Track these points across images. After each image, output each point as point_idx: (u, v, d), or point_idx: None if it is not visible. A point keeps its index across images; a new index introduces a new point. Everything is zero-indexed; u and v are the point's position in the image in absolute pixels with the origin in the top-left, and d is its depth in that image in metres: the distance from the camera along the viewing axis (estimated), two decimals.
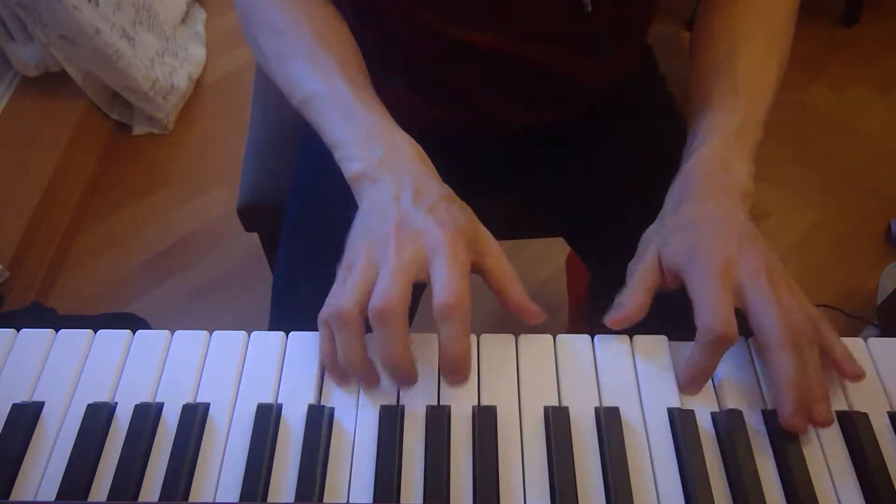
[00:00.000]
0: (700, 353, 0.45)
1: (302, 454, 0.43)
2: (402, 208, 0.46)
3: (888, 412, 0.46)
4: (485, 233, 0.49)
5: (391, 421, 0.44)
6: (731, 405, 0.46)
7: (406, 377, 0.44)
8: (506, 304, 0.47)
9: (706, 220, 0.49)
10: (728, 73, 0.57)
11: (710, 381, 0.47)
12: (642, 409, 0.45)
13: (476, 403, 0.46)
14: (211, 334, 0.48)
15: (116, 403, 0.45)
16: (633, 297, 0.49)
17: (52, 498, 0.41)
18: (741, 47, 0.59)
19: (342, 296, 0.44)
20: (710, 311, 0.44)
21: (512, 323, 0.49)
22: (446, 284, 0.43)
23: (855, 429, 0.44)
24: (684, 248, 0.48)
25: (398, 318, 0.42)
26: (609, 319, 0.48)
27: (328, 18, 0.58)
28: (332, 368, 0.46)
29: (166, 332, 0.49)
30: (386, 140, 0.50)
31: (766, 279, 0.45)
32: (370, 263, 0.45)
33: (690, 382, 0.46)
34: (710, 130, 0.55)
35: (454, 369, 0.43)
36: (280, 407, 0.45)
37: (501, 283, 0.47)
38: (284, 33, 0.57)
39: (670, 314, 0.63)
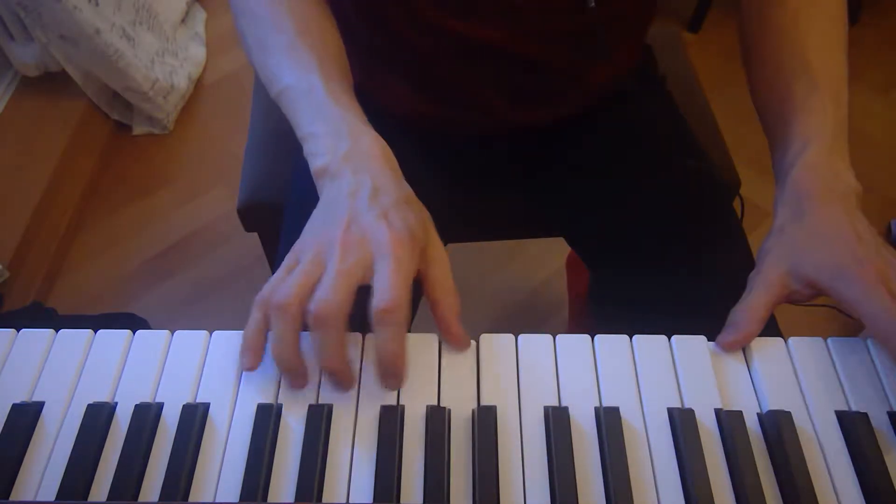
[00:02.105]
0: None
1: (302, 454, 0.43)
2: (355, 207, 0.46)
3: (888, 412, 0.46)
4: (436, 241, 0.49)
5: (391, 421, 0.44)
6: (730, 405, 0.46)
7: (341, 381, 0.44)
8: (436, 317, 0.47)
9: (842, 233, 0.49)
10: (803, 73, 0.57)
11: (710, 380, 0.47)
12: (642, 409, 0.45)
13: (476, 403, 0.46)
14: (211, 334, 0.48)
15: (116, 403, 0.45)
16: (754, 312, 0.49)
17: (52, 498, 0.41)
18: (808, 42, 0.58)
19: (285, 287, 0.44)
20: (889, 318, 0.45)
21: (512, 323, 0.49)
22: (385, 289, 0.43)
23: (855, 429, 0.44)
24: (828, 264, 0.48)
25: (336, 322, 0.43)
26: (725, 343, 0.48)
27: (312, 14, 0.58)
28: (250, 347, 0.46)
29: (166, 332, 0.49)
30: (352, 137, 0.50)
31: None
32: (317, 260, 0.45)
33: None
34: (806, 137, 0.54)
35: (389, 372, 0.44)
36: (280, 407, 0.45)
37: (439, 296, 0.47)
38: (268, 26, 0.57)
39: (670, 314, 0.63)
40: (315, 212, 0.49)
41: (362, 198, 0.47)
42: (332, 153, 0.50)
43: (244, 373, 0.47)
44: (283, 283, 0.45)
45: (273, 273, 0.48)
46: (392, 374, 0.44)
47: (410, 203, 0.49)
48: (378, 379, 0.45)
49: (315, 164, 0.50)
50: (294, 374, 0.45)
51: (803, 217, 0.51)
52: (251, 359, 0.46)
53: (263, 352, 0.47)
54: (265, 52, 0.57)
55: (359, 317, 0.45)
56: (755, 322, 0.49)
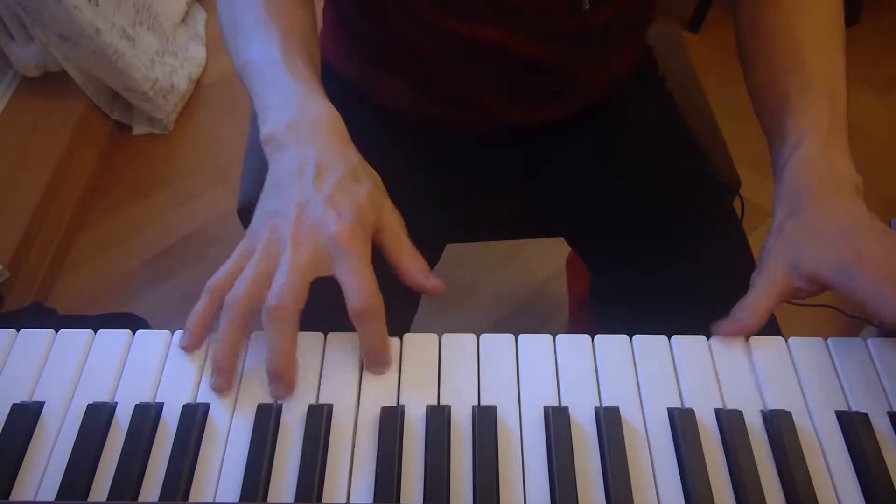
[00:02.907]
0: None
1: (302, 454, 0.43)
2: (303, 193, 0.47)
3: (888, 412, 0.46)
4: (387, 207, 0.49)
5: (391, 421, 0.44)
6: (730, 405, 0.46)
7: (281, 378, 0.44)
8: (402, 278, 0.48)
9: (839, 226, 0.49)
10: (799, 70, 0.57)
11: (710, 380, 0.47)
12: (642, 409, 0.45)
13: (476, 403, 0.46)
14: (210, 335, 0.48)
15: (116, 403, 0.45)
16: (755, 310, 0.49)
17: (52, 498, 0.41)
18: (803, 40, 0.58)
19: (239, 284, 0.45)
20: None
21: (512, 323, 0.49)
22: (356, 291, 0.44)
23: (855, 429, 0.44)
24: (830, 260, 0.48)
25: (289, 318, 0.43)
26: (720, 330, 0.49)
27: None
28: (194, 335, 0.47)
29: (166, 332, 0.49)
30: (300, 106, 0.50)
31: None
32: (270, 252, 0.45)
33: None
34: (801, 132, 0.54)
35: (377, 362, 0.46)
36: (280, 407, 0.45)
37: (397, 260, 0.48)
38: (238, 6, 0.57)
39: (670, 314, 0.63)
40: (265, 187, 0.49)
41: (307, 177, 0.47)
42: (277, 122, 0.50)
43: (243, 373, 0.47)
44: (238, 279, 0.45)
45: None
46: (381, 363, 0.46)
47: (356, 175, 0.49)
48: (367, 368, 0.47)
49: (262, 131, 0.51)
50: (220, 375, 0.45)
51: (801, 213, 0.51)
52: (192, 342, 0.47)
53: (203, 338, 0.47)
54: (234, 28, 0.57)
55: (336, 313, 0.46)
56: (756, 319, 0.49)
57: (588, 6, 0.61)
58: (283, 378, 0.45)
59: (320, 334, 0.49)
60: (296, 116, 0.50)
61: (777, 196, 0.54)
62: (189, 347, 0.47)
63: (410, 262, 0.48)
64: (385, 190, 0.51)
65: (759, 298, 0.50)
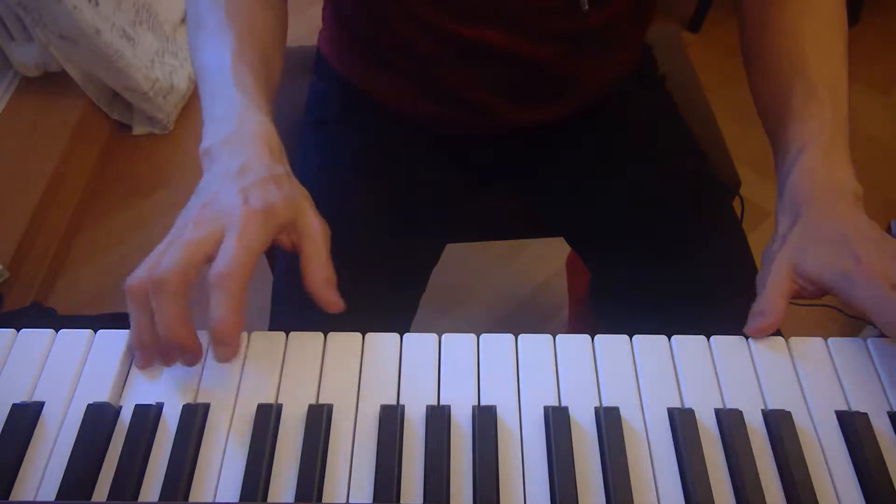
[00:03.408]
0: None
1: (302, 454, 0.43)
2: (219, 188, 0.47)
3: (888, 412, 0.46)
4: (309, 214, 0.49)
5: (391, 421, 0.44)
6: (730, 405, 0.46)
7: (183, 348, 0.44)
8: (305, 283, 0.48)
9: (839, 233, 0.50)
10: (802, 78, 0.57)
11: (710, 380, 0.47)
12: (642, 409, 0.45)
13: (476, 403, 0.46)
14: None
15: (117, 403, 0.45)
16: (775, 304, 0.49)
17: (52, 498, 0.41)
18: (806, 46, 0.58)
19: (134, 274, 0.45)
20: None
21: (512, 323, 0.49)
22: (225, 255, 0.44)
23: (855, 429, 0.44)
24: (830, 266, 0.49)
25: (172, 286, 0.43)
26: (752, 328, 0.49)
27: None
28: (141, 347, 0.46)
29: None
30: (238, 119, 0.51)
31: None
32: (169, 240, 0.46)
33: None
34: (803, 141, 0.55)
35: (218, 340, 0.44)
36: (280, 407, 0.45)
37: (306, 269, 0.48)
38: (204, 7, 0.58)
39: (670, 314, 0.63)
40: (191, 197, 0.50)
41: (228, 176, 0.48)
42: (215, 136, 0.51)
43: (243, 373, 0.47)
44: (136, 270, 0.45)
45: (274, 274, 0.48)
46: (222, 341, 0.44)
47: (279, 180, 0.49)
48: (211, 350, 0.45)
49: (202, 145, 0.51)
50: (141, 353, 0.46)
51: (803, 222, 0.52)
52: (150, 359, 0.47)
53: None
54: (196, 30, 0.58)
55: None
56: (778, 313, 0.49)
57: (587, 7, 0.61)
58: (185, 346, 0.44)
59: (320, 334, 0.49)
60: (232, 131, 0.50)
61: (779, 207, 0.55)
62: (148, 363, 0.47)
63: (318, 271, 0.48)
64: (313, 203, 0.51)
65: (770, 294, 0.50)
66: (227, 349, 0.44)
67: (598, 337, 0.49)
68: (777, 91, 0.59)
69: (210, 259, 0.44)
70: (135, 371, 0.47)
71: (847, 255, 0.48)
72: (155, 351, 0.46)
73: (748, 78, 0.64)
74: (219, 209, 0.46)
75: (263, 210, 0.46)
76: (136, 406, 0.45)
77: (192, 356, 0.45)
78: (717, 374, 0.47)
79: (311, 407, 0.45)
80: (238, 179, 0.47)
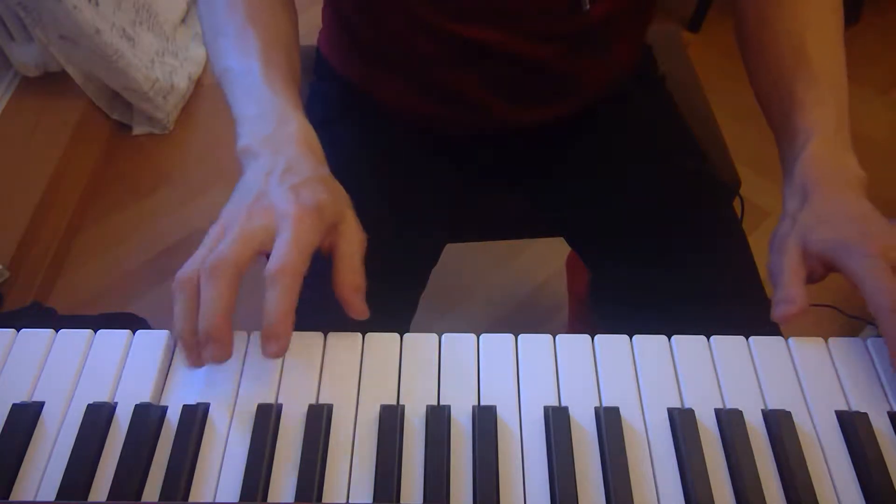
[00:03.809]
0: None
1: (302, 454, 0.43)
2: (268, 183, 0.47)
3: (888, 412, 0.46)
4: (350, 220, 0.49)
5: (391, 421, 0.44)
6: (730, 405, 0.46)
7: (219, 341, 0.42)
8: (335, 286, 0.47)
9: (846, 214, 0.51)
10: (805, 66, 0.58)
11: (710, 380, 0.47)
12: (642, 409, 0.45)
13: (476, 403, 0.46)
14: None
15: (116, 403, 0.45)
16: (796, 289, 0.50)
17: (52, 498, 0.41)
18: (807, 36, 0.59)
19: (188, 263, 0.45)
20: (884, 286, 0.46)
21: (512, 323, 0.49)
22: (280, 253, 0.44)
23: (855, 429, 0.44)
24: (837, 241, 0.50)
25: (225, 273, 0.42)
26: (781, 315, 0.49)
27: (265, 1, 0.59)
28: (187, 342, 0.45)
29: (166, 332, 0.49)
30: (278, 120, 0.51)
31: None
32: (221, 231, 0.46)
33: None
34: (809, 130, 0.56)
35: (271, 333, 0.43)
36: (280, 407, 0.45)
37: (339, 268, 0.47)
38: (221, 10, 0.58)
39: (670, 314, 0.63)
40: (234, 191, 0.50)
41: (275, 174, 0.48)
42: (255, 135, 0.51)
43: (243, 373, 0.47)
44: (188, 262, 0.45)
45: None
46: (273, 335, 0.43)
47: (325, 181, 0.49)
48: (261, 347, 0.44)
49: (239, 143, 0.51)
50: (188, 351, 0.44)
51: (811, 202, 0.53)
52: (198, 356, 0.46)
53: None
54: (215, 35, 0.58)
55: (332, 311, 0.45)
56: (802, 298, 0.49)
57: (588, 6, 0.61)
58: (217, 337, 0.43)
59: (320, 334, 0.49)
60: (272, 131, 0.50)
61: (787, 190, 0.56)
62: (197, 361, 0.45)
63: (350, 275, 0.47)
64: (352, 207, 0.50)
65: (788, 280, 0.50)
66: (278, 345, 0.43)
67: (598, 337, 0.49)
68: (779, 83, 0.59)
69: (263, 251, 0.45)
70: (134, 371, 0.47)
71: (853, 230, 0.49)
72: (196, 352, 0.45)
73: (747, 70, 0.64)
74: (271, 204, 0.46)
75: (316, 208, 0.46)
76: (136, 406, 0.45)
77: (221, 351, 0.43)
78: (717, 374, 0.47)
79: (311, 407, 0.45)
80: (286, 178, 0.47)
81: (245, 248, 0.44)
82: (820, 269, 0.51)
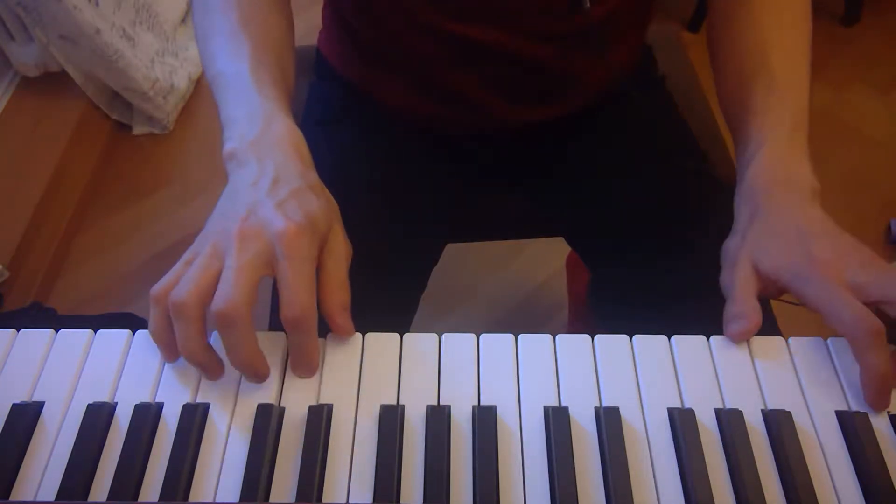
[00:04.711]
0: (868, 357, 0.45)
1: (302, 454, 0.43)
2: (255, 197, 0.46)
3: (888, 412, 0.46)
4: (337, 232, 0.49)
5: (391, 421, 0.44)
6: (730, 405, 0.46)
7: (256, 374, 0.44)
8: (321, 302, 0.47)
9: (795, 229, 0.50)
10: (764, 73, 0.57)
11: (710, 380, 0.47)
12: (642, 409, 0.45)
13: (476, 403, 0.46)
14: (211, 334, 0.48)
15: (116, 403, 0.45)
16: (748, 305, 0.49)
17: (52, 498, 0.41)
18: (770, 42, 0.59)
19: (183, 284, 0.44)
20: (849, 315, 0.45)
21: (512, 323, 0.49)
22: (288, 300, 0.43)
23: (855, 429, 0.44)
24: (785, 264, 0.49)
25: (241, 320, 0.42)
26: (735, 333, 0.48)
27: (259, 3, 0.58)
28: (163, 343, 0.46)
29: None
30: (264, 122, 0.50)
31: (876, 269, 0.47)
32: (214, 253, 0.45)
33: (878, 393, 0.45)
34: (761, 137, 0.55)
35: (303, 367, 0.46)
36: (280, 407, 0.45)
37: (326, 287, 0.47)
38: (215, 13, 0.57)
39: (670, 314, 0.63)
40: (219, 201, 0.49)
41: (262, 187, 0.46)
42: (241, 138, 0.49)
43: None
44: (182, 280, 0.44)
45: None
46: (305, 369, 0.46)
47: (314, 190, 0.48)
48: (293, 372, 0.47)
49: (225, 147, 0.50)
50: (207, 369, 0.45)
51: (760, 216, 0.52)
52: (169, 355, 0.46)
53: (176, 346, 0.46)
54: (207, 38, 0.57)
55: None
56: (756, 314, 0.49)
57: (589, 4, 0.61)
58: (256, 373, 0.44)
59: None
60: (259, 134, 0.49)
61: (738, 200, 0.55)
62: (171, 360, 0.47)
63: (336, 293, 0.47)
64: (340, 217, 0.50)
65: (741, 296, 0.50)
66: (312, 372, 0.47)
67: (598, 337, 0.49)
68: (739, 89, 0.59)
69: (266, 276, 0.44)
70: (135, 371, 0.47)
71: (800, 252, 0.49)
72: (217, 359, 0.45)
73: (713, 73, 0.64)
74: (261, 223, 0.45)
75: (308, 222, 0.45)
76: (136, 406, 0.45)
77: (260, 377, 0.45)
78: (717, 374, 0.47)
79: (311, 407, 0.45)
80: (275, 191, 0.46)
81: (249, 287, 0.43)
82: (771, 288, 0.50)
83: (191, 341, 0.43)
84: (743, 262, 0.51)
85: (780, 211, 0.52)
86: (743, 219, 0.54)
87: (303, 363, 0.46)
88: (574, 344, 0.48)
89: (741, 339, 0.48)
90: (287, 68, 0.58)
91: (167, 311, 0.44)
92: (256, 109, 0.51)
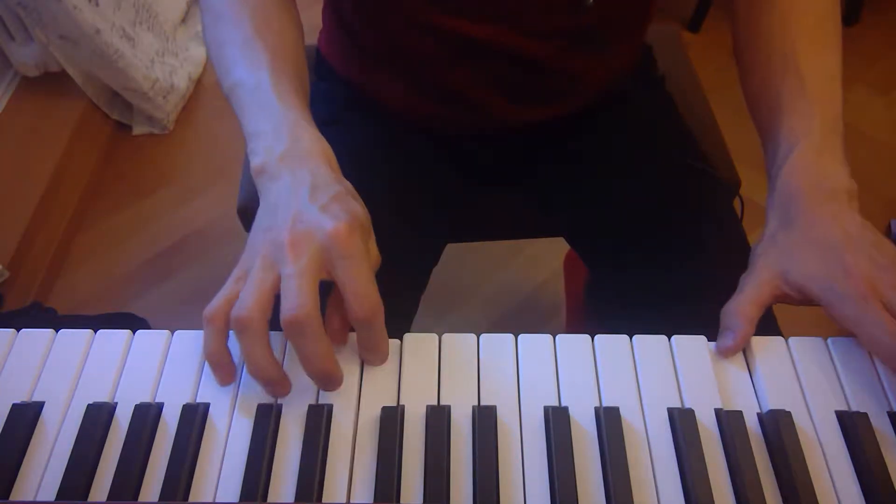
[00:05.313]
0: None
1: (302, 454, 0.43)
2: (297, 206, 0.46)
3: (888, 412, 0.46)
4: (373, 241, 0.49)
5: (391, 421, 0.44)
6: (730, 405, 0.46)
7: (332, 380, 0.44)
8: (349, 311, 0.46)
9: (830, 238, 0.48)
10: (792, 75, 0.56)
11: (710, 380, 0.47)
12: (642, 409, 0.45)
13: (476, 403, 0.46)
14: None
15: (116, 403, 0.45)
16: (744, 317, 0.48)
17: (52, 498, 0.41)
18: (798, 43, 0.57)
19: (244, 300, 0.43)
20: (888, 341, 0.44)
21: (512, 323, 0.49)
22: (357, 297, 0.43)
23: (855, 429, 0.44)
24: (818, 274, 0.48)
25: (315, 325, 0.42)
26: (724, 349, 0.48)
27: (272, 11, 0.58)
28: (219, 363, 0.45)
29: (166, 332, 0.49)
30: (291, 135, 0.50)
31: None
32: (268, 265, 0.44)
33: None
34: (794, 139, 0.54)
35: (377, 360, 0.47)
36: (280, 407, 0.45)
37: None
38: (227, 22, 0.57)
39: (670, 314, 0.63)
40: (258, 215, 0.48)
41: (302, 195, 0.46)
42: (269, 153, 0.49)
43: (244, 373, 0.47)
44: (242, 295, 0.44)
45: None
46: (379, 360, 0.47)
47: (353, 194, 0.48)
48: (365, 362, 0.47)
49: (253, 162, 0.50)
50: (276, 383, 0.44)
51: (793, 222, 0.51)
52: (225, 376, 0.46)
53: (233, 363, 0.46)
54: (221, 48, 0.56)
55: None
56: (748, 323, 0.48)
57: (591, 2, 0.61)
58: (332, 379, 0.44)
59: None
60: (287, 147, 0.49)
61: (769, 204, 0.54)
62: (226, 382, 0.46)
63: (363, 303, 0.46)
64: (372, 227, 0.50)
65: (747, 300, 0.49)
66: (384, 361, 0.47)
67: (598, 337, 0.49)
68: (768, 88, 0.58)
69: (325, 276, 0.44)
70: (134, 371, 0.47)
71: (835, 263, 0.47)
72: (285, 379, 0.44)
73: (740, 75, 0.63)
74: (310, 227, 0.44)
75: (356, 220, 0.45)
76: (136, 406, 0.45)
77: (334, 384, 0.44)
78: (717, 374, 0.47)
79: (311, 407, 0.45)
80: (314, 198, 0.46)
81: (311, 292, 0.42)
82: (797, 297, 0.49)
83: (259, 357, 0.43)
84: (762, 269, 0.50)
85: (813, 218, 0.50)
86: (773, 225, 0.52)
87: (376, 356, 0.46)
88: (574, 344, 0.48)
89: (725, 355, 0.48)
90: (303, 75, 0.58)
91: (223, 330, 0.44)
92: (281, 121, 0.50)
